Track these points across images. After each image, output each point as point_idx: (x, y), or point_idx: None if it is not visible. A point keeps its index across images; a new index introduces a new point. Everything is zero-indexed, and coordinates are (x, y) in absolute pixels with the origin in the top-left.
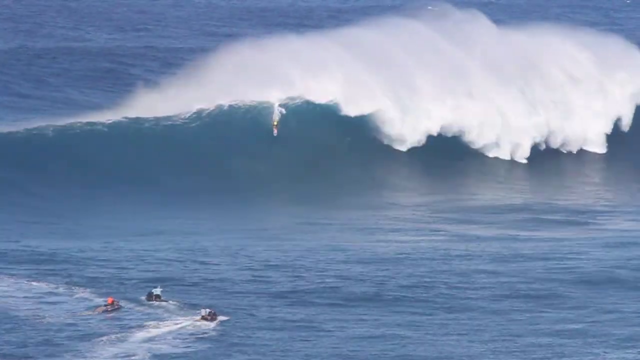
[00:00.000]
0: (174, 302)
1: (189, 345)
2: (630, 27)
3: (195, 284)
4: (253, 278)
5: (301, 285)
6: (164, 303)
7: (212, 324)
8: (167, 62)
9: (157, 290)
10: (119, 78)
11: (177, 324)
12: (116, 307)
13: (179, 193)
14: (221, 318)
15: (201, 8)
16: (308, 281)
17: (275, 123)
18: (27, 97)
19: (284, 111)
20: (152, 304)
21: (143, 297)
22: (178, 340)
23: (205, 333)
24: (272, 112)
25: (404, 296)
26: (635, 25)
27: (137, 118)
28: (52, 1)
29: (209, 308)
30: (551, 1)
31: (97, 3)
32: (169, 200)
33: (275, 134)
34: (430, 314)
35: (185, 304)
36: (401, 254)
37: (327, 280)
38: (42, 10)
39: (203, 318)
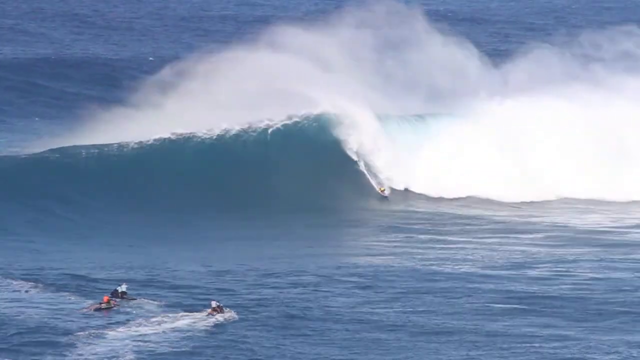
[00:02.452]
0: (148, 300)
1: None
2: None
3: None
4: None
5: (294, 290)
6: (146, 301)
7: (222, 317)
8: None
9: (122, 287)
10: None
11: (186, 317)
12: (112, 305)
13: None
14: (228, 312)
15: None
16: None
17: (382, 189)
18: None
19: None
20: (142, 302)
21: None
22: (190, 333)
23: (212, 328)
24: (377, 181)
25: (399, 298)
26: None
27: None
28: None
29: (216, 301)
30: None
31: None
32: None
33: (387, 195)
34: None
35: (161, 301)
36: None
37: (321, 284)
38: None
39: (214, 310)
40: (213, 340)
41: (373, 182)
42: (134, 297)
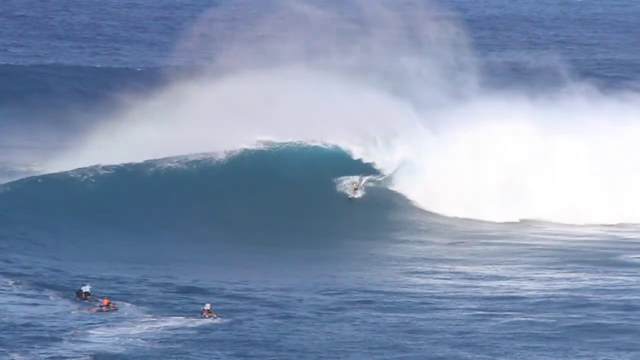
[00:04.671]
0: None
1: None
2: None
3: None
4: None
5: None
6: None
7: (213, 319)
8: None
9: (86, 288)
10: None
11: (176, 319)
12: (112, 308)
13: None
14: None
15: None
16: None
17: (355, 187)
18: None
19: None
20: (123, 305)
21: (74, 295)
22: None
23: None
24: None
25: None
26: None
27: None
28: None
29: (210, 304)
30: None
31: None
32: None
33: (354, 196)
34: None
35: (151, 304)
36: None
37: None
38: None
39: (208, 312)
40: (201, 341)
41: (349, 183)
42: (98, 298)
